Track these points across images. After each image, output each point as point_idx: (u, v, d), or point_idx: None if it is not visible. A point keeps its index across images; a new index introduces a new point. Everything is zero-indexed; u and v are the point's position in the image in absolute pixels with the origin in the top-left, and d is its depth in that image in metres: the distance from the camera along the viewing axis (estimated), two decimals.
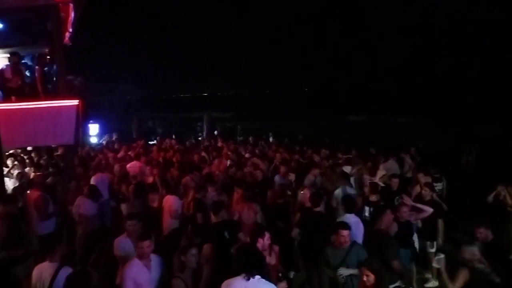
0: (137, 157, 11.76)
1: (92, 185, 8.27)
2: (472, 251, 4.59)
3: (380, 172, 9.62)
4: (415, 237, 6.66)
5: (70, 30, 10.98)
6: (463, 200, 9.36)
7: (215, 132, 20.89)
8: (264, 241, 4.79)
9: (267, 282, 3.93)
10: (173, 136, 18.61)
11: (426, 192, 7.32)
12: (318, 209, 6.35)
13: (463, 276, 4.45)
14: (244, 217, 6.91)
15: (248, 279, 3.82)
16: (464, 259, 4.57)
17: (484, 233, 5.35)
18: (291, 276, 4.55)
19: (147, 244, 4.73)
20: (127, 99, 45.84)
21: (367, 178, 9.10)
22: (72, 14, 10.12)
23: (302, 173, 9.58)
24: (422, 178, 8.56)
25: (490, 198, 7.98)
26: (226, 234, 5.50)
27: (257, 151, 13.73)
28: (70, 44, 11.47)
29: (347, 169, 9.83)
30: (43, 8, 9.39)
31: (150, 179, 9.44)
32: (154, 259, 4.87)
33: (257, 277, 3.85)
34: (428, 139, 20.72)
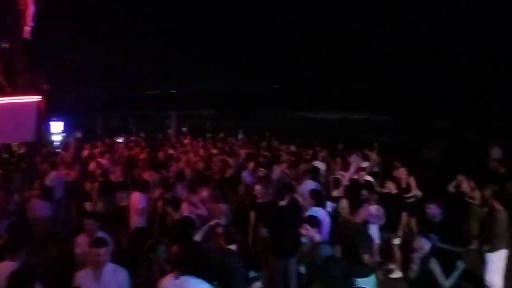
0: (101, 155, 11.53)
1: (46, 185, 8.05)
2: (422, 243, 4.71)
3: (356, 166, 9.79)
4: (375, 229, 6.86)
5: (31, 24, 10.59)
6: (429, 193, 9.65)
7: (184, 129, 20.71)
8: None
9: (200, 280, 3.87)
10: (141, 134, 18.35)
11: (391, 186, 7.51)
12: (282, 202, 6.31)
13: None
14: (214, 215, 6.88)
15: (177, 278, 3.85)
16: (415, 248, 4.71)
17: (433, 209, 5.60)
18: (251, 276, 4.56)
19: (102, 252, 4.24)
20: (92, 96, 44.75)
21: (338, 174, 9.24)
22: (32, 7, 9.78)
23: (271, 169, 9.67)
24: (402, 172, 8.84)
25: (451, 187, 8.27)
26: (193, 233, 5.41)
27: (226, 148, 13.74)
28: (31, 38, 11.07)
29: (319, 164, 10.03)
30: (1, 1, 9.04)
31: (116, 177, 9.27)
32: (109, 270, 4.28)
33: (189, 276, 3.84)
34: (388, 135, 21.24)
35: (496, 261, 6.08)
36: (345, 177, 8.81)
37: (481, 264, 6.27)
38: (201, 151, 12.50)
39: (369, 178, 8.87)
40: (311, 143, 14.17)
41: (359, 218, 5.61)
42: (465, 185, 7.98)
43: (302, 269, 5.11)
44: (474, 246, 7.91)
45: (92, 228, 5.30)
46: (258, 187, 7.11)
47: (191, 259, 4.02)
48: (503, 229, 6.11)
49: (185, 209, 6.39)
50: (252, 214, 6.98)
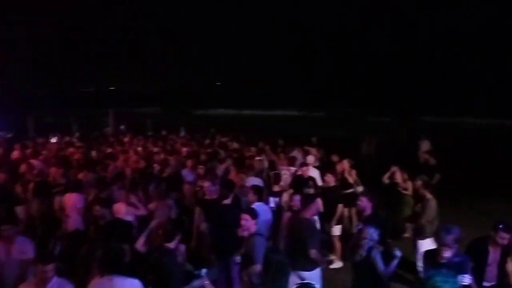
0: (34, 155, 10.88)
1: None
2: (370, 232, 4.90)
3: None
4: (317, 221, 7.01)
5: None
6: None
7: (122, 127, 20.00)
8: (179, 238, 4.76)
9: (123, 277, 3.97)
10: (75, 133, 17.50)
11: (330, 179, 7.72)
12: (226, 201, 6.29)
13: None
14: (158, 214, 6.74)
15: (102, 277, 3.95)
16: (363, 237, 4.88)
17: (364, 202, 5.91)
18: (203, 274, 4.50)
19: (50, 268, 4.01)
20: (23, 94, 42.02)
21: (284, 169, 9.32)
22: None
23: (212, 166, 9.59)
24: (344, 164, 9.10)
25: (385, 178, 8.67)
26: (134, 233, 5.25)
27: (167, 146, 13.48)
28: None
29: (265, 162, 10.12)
30: None
31: (50, 178, 8.79)
32: (54, 285, 4.07)
33: (114, 275, 3.93)
34: (323, 131, 21.93)
35: (427, 247, 6.43)
36: (291, 172, 8.95)
37: (414, 250, 6.63)
38: (141, 150, 12.14)
39: (313, 173, 9.06)
40: (254, 139, 14.27)
41: (309, 213, 5.69)
42: (398, 176, 8.39)
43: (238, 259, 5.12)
44: (407, 234, 8.37)
45: (9, 234, 4.94)
46: (207, 183, 7.04)
47: (112, 258, 4.05)
48: (433, 216, 6.50)
49: (122, 210, 6.17)
50: (197, 211, 6.89)
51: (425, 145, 14.79)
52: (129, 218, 6.16)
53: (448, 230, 4.40)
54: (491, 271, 4.90)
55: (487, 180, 13.89)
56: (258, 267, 4.44)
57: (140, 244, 5.03)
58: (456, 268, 4.24)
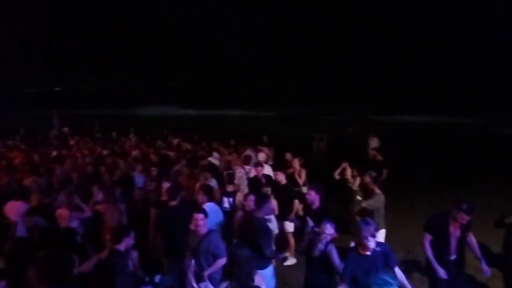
0: None
1: None
2: (327, 228, 4.98)
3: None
4: (274, 220, 7.08)
5: None
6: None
7: (65, 129, 19.05)
8: (130, 240, 4.64)
9: None
10: (17, 136, 16.48)
11: (280, 177, 7.77)
12: (173, 203, 6.14)
13: None
14: (108, 218, 6.49)
15: None
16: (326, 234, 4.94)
17: (312, 195, 6.03)
18: (157, 280, 4.37)
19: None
20: None
21: (237, 169, 9.27)
22: None
23: (165, 167, 9.42)
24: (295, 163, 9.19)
25: (336, 175, 8.87)
26: (78, 239, 5.00)
27: (116, 148, 13.05)
28: None
29: (215, 161, 10.02)
30: None
31: None
32: None
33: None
34: (275, 130, 22.15)
35: (380, 239, 6.67)
36: (245, 171, 8.92)
37: None
38: (88, 153, 11.67)
39: (267, 171, 9.09)
40: (205, 140, 14.15)
41: (262, 213, 5.68)
42: (348, 172, 8.61)
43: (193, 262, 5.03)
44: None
45: None
46: (166, 184, 6.90)
47: (58, 269, 3.77)
48: (382, 210, 6.73)
49: (65, 216, 5.90)
50: (153, 214, 6.72)
51: (374, 142, 15.30)
52: (74, 223, 5.90)
53: (367, 222, 4.54)
54: (452, 245, 5.15)
55: (429, 174, 14.63)
56: (222, 262, 4.40)
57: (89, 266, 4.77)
58: (383, 257, 4.48)
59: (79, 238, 4.98)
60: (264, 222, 5.70)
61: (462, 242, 5.23)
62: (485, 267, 5.19)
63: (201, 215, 5.07)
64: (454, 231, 5.15)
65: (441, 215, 5.28)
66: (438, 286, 5.20)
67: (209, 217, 5.39)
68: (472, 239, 5.30)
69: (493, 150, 18.08)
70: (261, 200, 5.82)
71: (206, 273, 4.83)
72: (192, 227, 5.11)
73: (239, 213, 6.32)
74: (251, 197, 6.12)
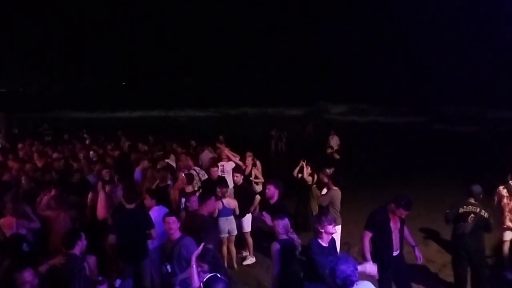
0: None
1: None
2: (284, 224, 4.97)
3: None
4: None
5: None
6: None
7: (15, 131, 18.15)
8: (83, 243, 4.49)
9: None
10: None
11: (238, 178, 7.73)
12: (130, 206, 5.91)
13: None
14: (58, 225, 6.21)
15: None
16: (277, 232, 4.92)
17: (271, 190, 6.08)
18: (117, 285, 4.21)
19: None
20: None
21: (196, 170, 9.09)
22: None
23: (122, 169, 9.17)
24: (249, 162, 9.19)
25: (295, 172, 8.93)
26: (24, 246, 4.70)
27: (66, 151, 12.50)
28: None
29: (172, 162, 9.84)
30: None
31: None
32: None
33: None
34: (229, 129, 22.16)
35: (336, 236, 6.77)
36: (196, 173, 8.77)
37: None
38: (37, 156, 11.09)
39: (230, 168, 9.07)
40: (162, 141, 13.90)
41: (205, 210, 5.68)
42: (305, 170, 8.69)
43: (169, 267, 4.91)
44: None
45: None
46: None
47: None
48: (338, 206, 6.84)
49: (11, 224, 5.59)
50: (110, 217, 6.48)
51: (334, 141, 15.57)
52: (22, 231, 5.59)
53: (320, 216, 4.72)
54: (395, 240, 5.25)
55: (385, 170, 15.16)
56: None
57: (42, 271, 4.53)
58: (333, 249, 4.70)
59: (26, 246, 4.69)
60: (207, 219, 5.70)
61: (401, 235, 5.34)
62: (418, 253, 5.40)
63: (172, 218, 4.90)
64: (395, 226, 5.25)
65: (380, 212, 5.33)
66: (383, 283, 5.18)
67: (158, 220, 5.39)
68: (405, 229, 5.42)
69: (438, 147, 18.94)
70: (202, 198, 5.84)
71: (179, 278, 4.70)
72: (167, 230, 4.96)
73: (182, 214, 6.29)
74: (194, 198, 6.08)
